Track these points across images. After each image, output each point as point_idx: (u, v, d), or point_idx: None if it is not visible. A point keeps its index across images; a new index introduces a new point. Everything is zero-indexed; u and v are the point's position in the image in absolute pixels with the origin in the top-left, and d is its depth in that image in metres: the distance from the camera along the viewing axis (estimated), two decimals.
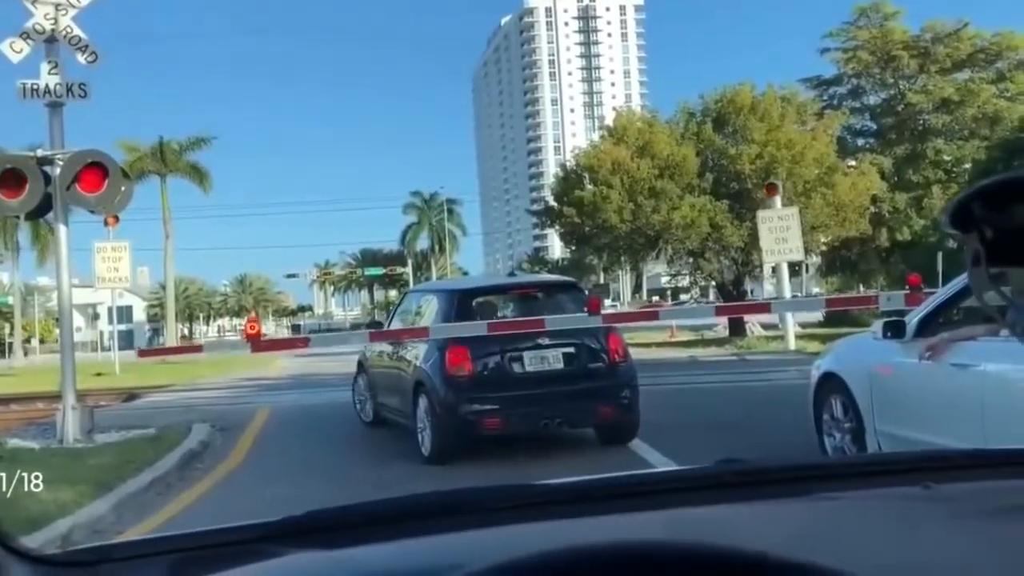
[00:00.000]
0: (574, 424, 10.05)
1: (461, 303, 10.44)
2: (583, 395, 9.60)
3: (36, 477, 8.07)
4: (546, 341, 9.69)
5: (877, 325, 7.08)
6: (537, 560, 1.01)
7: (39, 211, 11.83)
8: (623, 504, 1.55)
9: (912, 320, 6.75)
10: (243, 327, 18.36)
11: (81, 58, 11.60)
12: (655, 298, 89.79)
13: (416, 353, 10.28)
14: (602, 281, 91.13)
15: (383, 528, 1.47)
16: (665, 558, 1.03)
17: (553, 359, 9.68)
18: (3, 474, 8.14)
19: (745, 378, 16.78)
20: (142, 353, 30.68)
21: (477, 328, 9.84)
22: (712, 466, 1.69)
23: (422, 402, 9.81)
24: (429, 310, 10.94)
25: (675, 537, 1.36)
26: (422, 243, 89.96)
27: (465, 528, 1.46)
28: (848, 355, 7.75)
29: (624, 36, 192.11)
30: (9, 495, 6.66)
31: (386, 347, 11.55)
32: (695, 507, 1.55)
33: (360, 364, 12.87)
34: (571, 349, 9.75)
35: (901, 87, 36.92)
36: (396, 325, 11.74)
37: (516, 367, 9.56)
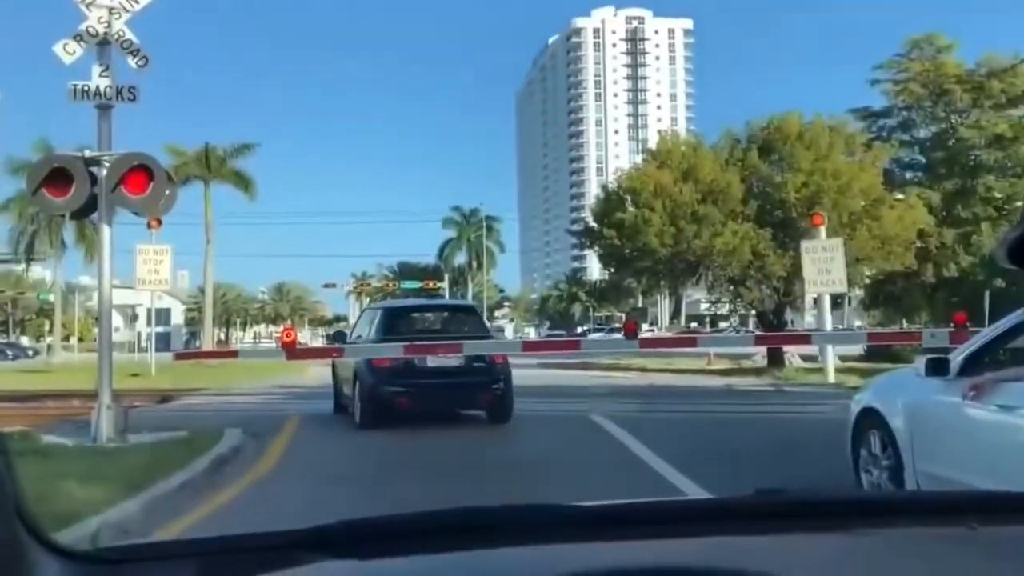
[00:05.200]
0: (463, 407, 13.93)
1: (390, 318, 14.54)
2: (470, 386, 13.33)
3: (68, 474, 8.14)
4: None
5: (920, 361, 6.88)
6: None
7: (84, 211, 11.95)
8: (660, 529, 1.51)
9: (957, 358, 6.60)
10: (279, 334, 18.57)
11: (132, 62, 11.73)
12: (693, 324, 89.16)
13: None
14: (640, 305, 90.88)
15: (415, 541, 1.44)
16: None
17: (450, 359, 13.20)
18: (36, 469, 8.23)
19: (782, 409, 16.59)
20: (178, 356, 31.04)
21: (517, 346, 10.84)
22: (751, 495, 1.64)
23: (357, 387, 13.29)
24: (372, 322, 14.61)
25: (712, 565, 1.32)
26: (460, 258, 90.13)
27: (500, 546, 1.43)
28: (889, 391, 7.60)
29: (672, 59, 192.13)
30: (41, 490, 6.71)
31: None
32: (733, 536, 1.51)
33: (332, 369, 16.22)
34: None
35: (953, 121, 36.41)
36: (357, 335, 15.19)
37: (422, 362, 13.10)
